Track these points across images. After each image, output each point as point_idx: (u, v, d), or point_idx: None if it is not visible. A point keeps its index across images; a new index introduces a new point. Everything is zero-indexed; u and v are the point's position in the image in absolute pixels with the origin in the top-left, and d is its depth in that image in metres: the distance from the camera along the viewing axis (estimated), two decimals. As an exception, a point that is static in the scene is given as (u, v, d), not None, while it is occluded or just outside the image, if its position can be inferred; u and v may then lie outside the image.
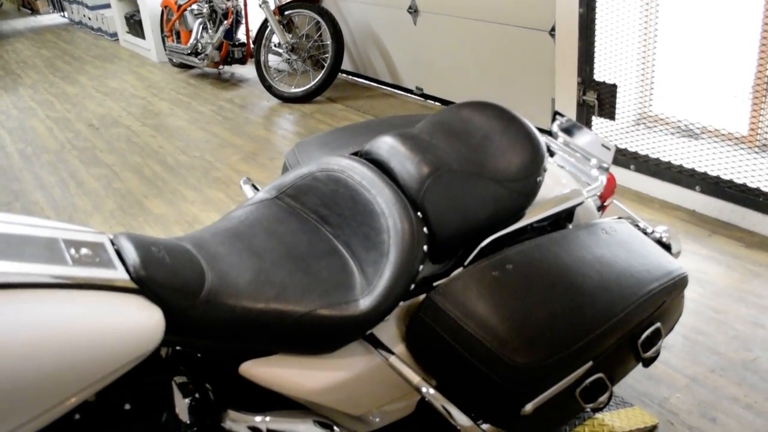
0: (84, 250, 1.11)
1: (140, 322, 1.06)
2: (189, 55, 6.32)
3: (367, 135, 1.82)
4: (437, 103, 5.18)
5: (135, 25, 7.86)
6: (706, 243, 2.96)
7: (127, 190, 3.99)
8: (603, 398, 1.40)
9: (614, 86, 3.42)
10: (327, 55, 5.29)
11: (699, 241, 2.98)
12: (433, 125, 1.53)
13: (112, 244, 1.17)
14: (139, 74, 6.90)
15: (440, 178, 1.36)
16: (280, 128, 4.93)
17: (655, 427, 1.98)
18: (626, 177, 3.51)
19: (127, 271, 1.11)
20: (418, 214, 1.33)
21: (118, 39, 8.71)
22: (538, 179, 1.44)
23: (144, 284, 1.10)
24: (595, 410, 1.42)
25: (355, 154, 1.54)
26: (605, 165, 1.75)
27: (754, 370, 2.19)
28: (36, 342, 0.94)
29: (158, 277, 1.12)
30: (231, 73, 6.67)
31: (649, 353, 1.51)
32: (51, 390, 0.96)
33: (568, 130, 1.86)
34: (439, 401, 1.28)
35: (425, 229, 1.33)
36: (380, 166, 1.43)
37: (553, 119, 1.91)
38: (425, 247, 1.32)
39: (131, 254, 1.13)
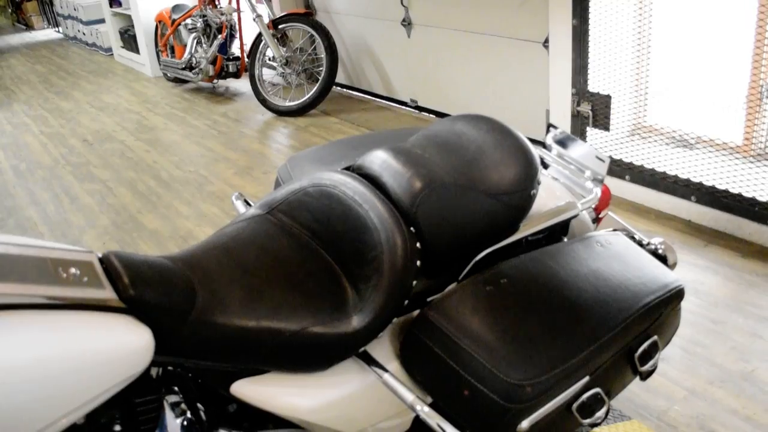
0: (72, 270, 1.09)
1: (129, 343, 1.04)
2: (183, 69, 6.32)
3: (360, 149, 1.81)
4: (432, 116, 5.17)
5: (129, 40, 7.87)
6: (703, 253, 2.95)
7: (121, 205, 3.97)
8: (600, 413, 1.38)
9: (608, 97, 3.42)
10: (321, 69, 5.29)
11: (695, 252, 2.97)
12: (425, 139, 1.52)
13: (101, 262, 1.15)
14: (134, 89, 6.90)
15: (433, 192, 1.35)
16: (274, 142, 4.92)
17: (653, 440, 1.97)
18: (621, 188, 3.51)
19: (116, 290, 1.09)
20: (411, 228, 1.32)
21: (112, 54, 8.72)
22: (532, 192, 1.43)
23: (133, 304, 1.08)
24: (593, 425, 1.40)
25: (348, 168, 1.53)
26: (600, 177, 1.74)
27: (752, 382, 2.18)
28: (23, 363, 0.92)
29: (147, 296, 1.10)
30: (225, 87, 6.67)
31: (647, 366, 1.49)
32: (38, 413, 0.95)
33: (562, 142, 1.85)
34: (434, 419, 1.26)
35: (418, 244, 1.32)
36: (372, 181, 1.42)
37: (547, 131, 1.90)
38: (418, 262, 1.30)
39: (120, 273, 1.11)
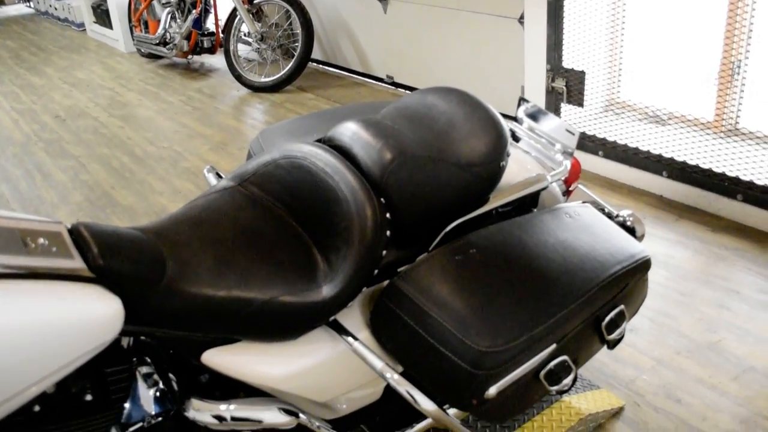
0: (41, 240, 1.09)
1: (98, 312, 1.04)
2: (157, 45, 6.24)
3: (332, 122, 1.81)
4: (408, 92, 5.17)
5: (102, 15, 7.75)
6: (674, 227, 2.99)
7: (95, 181, 3.94)
8: (567, 380, 1.41)
9: (582, 73, 3.44)
10: (297, 44, 5.25)
11: (666, 226, 3.01)
12: (396, 111, 1.52)
13: (70, 233, 1.15)
14: (107, 65, 6.81)
15: (403, 163, 1.36)
16: (249, 118, 4.89)
17: (621, 408, 2.01)
18: (595, 163, 3.54)
19: (85, 260, 1.09)
20: (381, 199, 1.33)
21: (85, 29, 8.58)
22: (501, 164, 1.44)
23: (102, 273, 1.09)
24: (560, 392, 1.43)
25: (319, 140, 1.53)
26: (570, 150, 1.75)
27: (718, 352, 2.23)
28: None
29: (117, 266, 1.10)
30: (200, 62, 6.60)
31: (614, 335, 1.52)
32: (7, 380, 0.95)
33: (534, 116, 1.86)
34: (404, 386, 1.28)
35: (388, 215, 1.33)
36: (343, 153, 1.43)
37: (519, 105, 1.91)
38: (388, 233, 1.31)
39: (89, 243, 1.11)
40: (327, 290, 1.25)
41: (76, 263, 1.08)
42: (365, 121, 1.45)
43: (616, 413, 1.99)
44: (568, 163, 1.71)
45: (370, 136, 1.40)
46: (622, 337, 1.58)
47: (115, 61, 6.96)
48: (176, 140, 4.51)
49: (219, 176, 1.74)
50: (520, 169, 1.66)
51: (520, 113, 1.90)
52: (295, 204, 1.40)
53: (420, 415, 1.56)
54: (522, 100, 1.91)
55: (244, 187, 1.44)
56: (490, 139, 1.43)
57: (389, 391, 1.50)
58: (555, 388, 1.40)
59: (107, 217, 3.46)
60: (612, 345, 1.57)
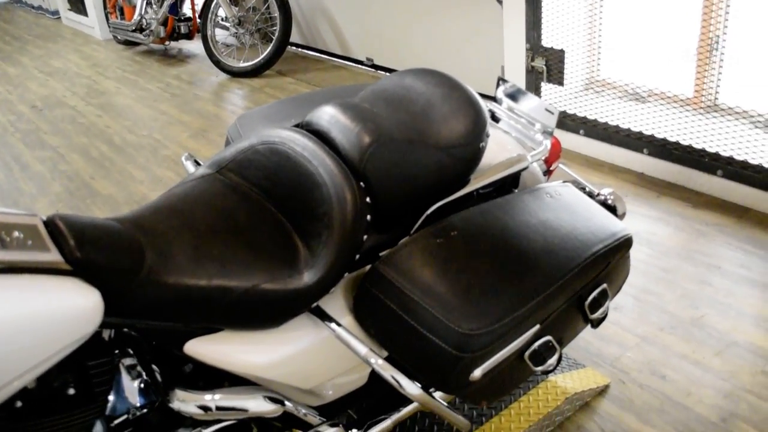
0: (15, 233, 1.07)
1: (77, 305, 1.03)
2: (134, 31, 6.17)
3: (310, 106, 1.79)
4: (388, 74, 5.14)
5: (77, 2, 7.64)
6: (655, 204, 3.01)
7: (74, 171, 3.89)
8: (552, 360, 1.41)
9: (562, 52, 3.43)
10: (275, 28, 5.21)
11: (648, 203, 3.02)
12: (374, 94, 1.51)
13: (46, 226, 1.13)
14: (83, 53, 6.72)
15: (382, 146, 1.34)
16: (229, 104, 4.85)
17: (607, 386, 2.02)
18: (576, 142, 3.54)
19: (62, 252, 1.08)
20: (361, 183, 1.32)
21: (60, 17, 8.46)
22: (480, 145, 1.44)
23: (80, 266, 1.07)
24: (545, 373, 1.43)
25: (297, 125, 1.52)
26: (549, 129, 1.75)
27: (701, 327, 2.24)
28: (-33, 328, 0.91)
29: (94, 257, 1.09)
30: (178, 48, 6.53)
31: (597, 314, 1.53)
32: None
33: (513, 96, 1.86)
34: (388, 371, 1.28)
35: (368, 199, 1.32)
36: (321, 137, 1.41)
37: (498, 85, 1.90)
38: (369, 217, 1.30)
39: (65, 235, 1.09)
40: (309, 276, 1.24)
41: (53, 256, 1.06)
42: (343, 104, 1.43)
43: (602, 391, 2.00)
44: (548, 143, 1.71)
45: (348, 119, 1.38)
46: (606, 315, 1.58)
47: (91, 48, 6.88)
48: (156, 128, 4.47)
49: (197, 164, 1.72)
50: (500, 149, 1.65)
51: (499, 93, 1.89)
52: (274, 190, 1.38)
53: (407, 399, 1.57)
54: (501, 80, 1.90)
55: (222, 174, 1.42)
56: (468, 120, 1.42)
57: (375, 376, 1.50)
58: (540, 368, 1.40)
59: (87, 208, 3.43)
60: (596, 324, 1.57)
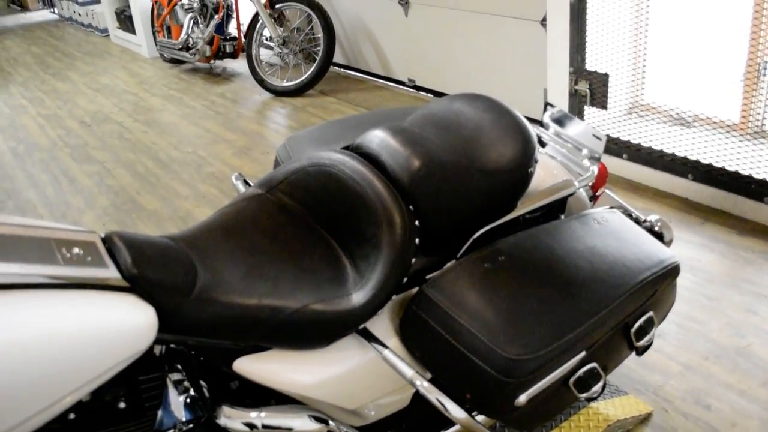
0: (75, 250, 1.10)
1: (133, 321, 1.05)
2: (180, 50, 6.29)
3: (358, 128, 1.82)
4: (429, 95, 5.17)
5: (125, 21, 7.83)
6: (699, 231, 2.97)
7: (120, 186, 3.98)
8: (597, 387, 1.41)
9: (606, 75, 3.42)
10: (318, 48, 5.27)
11: (692, 229, 2.98)
12: (423, 118, 1.53)
13: (104, 242, 1.16)
14: (131, 70, 6.88)
15: (431, 170, 1.36)
16: (272, 122, 4.92)
17: (649, 414, 1.99)
18: (619, 166, 3.52)
19: (119, 269, 1.11)
20: (410, 207, 1.33)
21: (108, 35, 8.67)
22: (529, 170, 1.44)
23: (136, 283, 1.10)
24: (589, 399, 1.43)
25: (346, 148, 1.54)
26: (596, 155, 1.75)
27: (746, 357, 2.21)
28: (29, 342, 0.93)
29: (150, 275, 1.12)
30: (222, 67, 6.65)
31: (643, 342, 1.51)
32: (45, 390, 0.96)
33: (560, 121, 1.86)
34: (434, 394, 1.28)
35: (417, 222, 1.33)
36: (371, 160, 1.43)
37: (545, 110, 1.91)
38: (417, 240, 1.32)
39: (123, 253, 1.12)
40: (357, 298, 1.25)
41: (111, 272, 1.10)
42: (393, 128, 1.45)
43: (644, 419, 1.98)
44: (595, 168, 1.71)
45: (398, 143, 1.40)
46: (651, 343, 1.57)
47: (138, 66, 7.03)
48: (200, 145, 4.54)
49: (247, 183, 1.76)
50: (547, 174, 1.65)
51: (546, 118, 1.90)
52: (324, 212, 1.40)
53: (446, 423, 1.57)
54: (548, 104, 1.91)
55: (272, 194, 1.45)
56: (517, 145, 1.43)
57: (417, 398, 1.51)
58: (584, 395, 1.40)
59: (133, 222, 3.50)
60: (641, 351, 1.56)
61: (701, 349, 2.26)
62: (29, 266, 1.01)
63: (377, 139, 1.44)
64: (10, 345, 0.92)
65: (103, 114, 5.43)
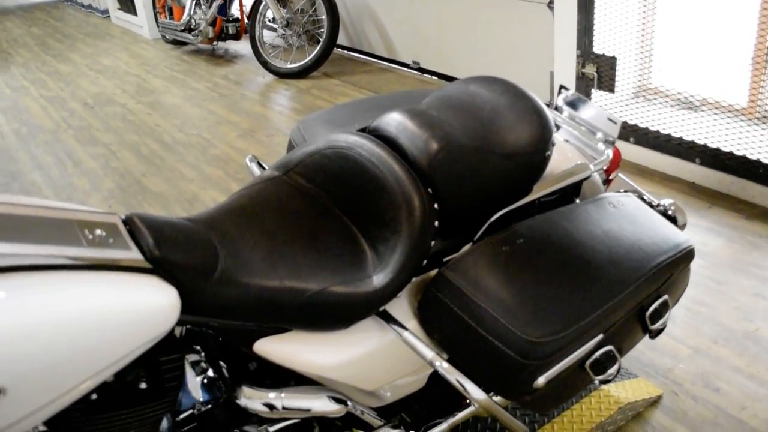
0: (98, 231, 1.10)
1: (157, 303, 1.06)
2: (182, 31, 6.26)
3: (372, 111, 1.81)
4: (434, 78, 5.15)
5: (126, 2, 7.78)
6: (706, 215, 2.97)
7: (125, 168, 3.97)
8: (612, 370, 1.41)
9: (614, 59, 3.41)
10: (322, 30, 5.25)
11: (699, 213, 2.99)
12: (440, 101, 1.52)
13: (125, 224, 1.16)
14: (132, 51, 6.84)
15: (450, 153, 1.36)
16: (276, 104, 4.90)
17: (659, 397, 2.01)
18: (626, 150, 3.51)
19: (142, 251, 1.11)
20: (429, 190, 1.33)
21: (109, 16, 8.62)
22: (546, 154, 1.44)
23: (159, 264, 1.10)
24: (604, 382, 1.43)
25: (362, 130, 1.54)
26: (611, 138, 1.75)
27: (755, 341, 2.22)
28: (57, 324, 0.93)
29: (173, 256, 1.12)
30: (225, 49, 6.62)
31: (657, 325, 1.52)
32: (71, 371, 0.96)
33: (573, 104, 1.86)
34: (453, 375, 1.29)
35: (436, 205, 1.33)
36: (389, 143, 1.43)
37: (558, 93, 1.90)
38: (436, 223, 1.32)
39: (145, 234, 1.12)
40: (378, 280, 1.26)
41: (134, 254, 1.09)
42: (410, 111, 1.45)
43: (654, 402, 1.99)
44: (610, 152, 1.71)
45: (416, 126, 1.40)
46: (665, 327, 1.57)
47: (140, 47, 7.00)
48: (204, 127, 4.53)
49: (260, 165, 1.75)
50: (561, 158, 1.65)
51: (560, 101, 1.89)
52: (341, 194, 1.40)
53: (459, 405, 1.58)
54: (562, 87, 1.90)
55: (289, 177, 1.45)
56: (535, 129, 1.42)
57: (433, 379, 1.51)
58: (600, 377, 1.40)
59: (139, 204, 3.49)
60: (654, 335, 1.57)
61: (710, 333, 2.27)
62: (54, 248, 1.01)
63: (395, 121, 1.44)
64: (37, 326, 0.92)
65: (106, 96, 5.41)
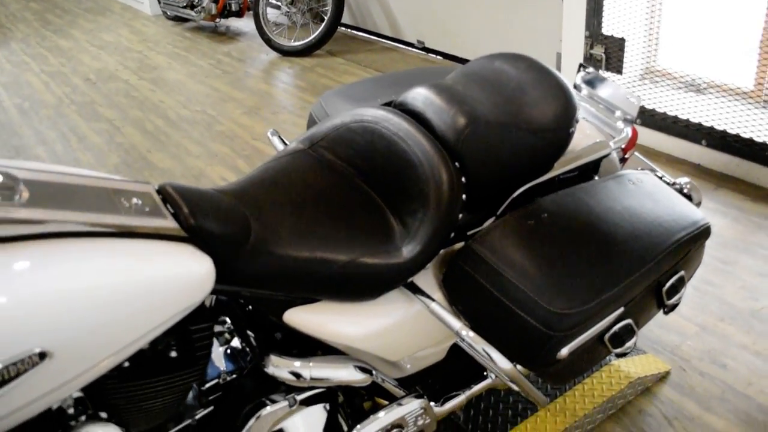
0: (134, 200, 1.11)
1: (193, 271, 1.07)
2: (184, 7, 6.23)
3: (393, 87, 1.82)
4: (439, 57, 5.15)
5: (126, -23, 7.73)
6: (712, 196, 3.00)
7: (130, 144, 3.97)
8: (630, 343, 1.44)
9: (622, 40, 3.42)
10: (327, 8, 5.23)
11: (705, 195, 3.01)
12: (465, 76, 1.54)
13: (158, 193, 1.18)
14: (133, 27, 6.81)
15: (477, 128, 1.37)
16: (280, 82, 4.90)
17: (668, 373, 2.04)
18: (631, 131, 3.53)
19: (177, 220, 1.12)
20: (456, 164, 1.35)
21: (108, -9, 8.56)
22: (570, 131, 1.46)
23: (194, 233, 1.11)
24: (621, 355, 1.46)
25: (388, 104, 1.55)
26: (630, 116, 1.76)
27: (761, 319, 2.25)
28: (97, 290, 0.94)
29: (208, 226, 1.13)
30: (227, 26, 6.59)
31: (672, 300, 1.55)
32: (110, 339, 0.97)
33: (591, 83, 1.87)
34: (480, 344, 1.31)
35: (463, 179, 1.35)
36: (415, 117, 1.44)
37: (578, 71, 1.92)
38: (464, 197, 1.34)
39: (179, 203, 1.13)
40: (406, 252, 1.28)
41: (170, 223, 1.11)
42: (436, 86, 1.46)
43: (663, 377, 2.03)
44: (629, 130, 1.73)
45: (443, 101, 1.41)
46: (679, 302, 1.60)
47: (141, 23, 6.96)
48: (208, 104, 4.53)
49: (282, 140, 1.77)
50: (581, 135, 1.67)
51: (578, 79, 1.91)
52: (367, 168, 1.42)
53: (476, 378, 1.61)
54: (581, 66, 1.91)
55: (314, 150, 1.46)
56: (560, 106, 1.44)
57: (453, 352, 1.54)
58: (618, 350, 1.43)
59: (146, 180, 3.50)
60: (669, 310, 1.59)
61: (717, 311, 2.30)
62: (93, 215, 1.02)
63: (421, 96, 1.45)
64: (81, 292, 0.93)
65: (108, 71, 5.39)
